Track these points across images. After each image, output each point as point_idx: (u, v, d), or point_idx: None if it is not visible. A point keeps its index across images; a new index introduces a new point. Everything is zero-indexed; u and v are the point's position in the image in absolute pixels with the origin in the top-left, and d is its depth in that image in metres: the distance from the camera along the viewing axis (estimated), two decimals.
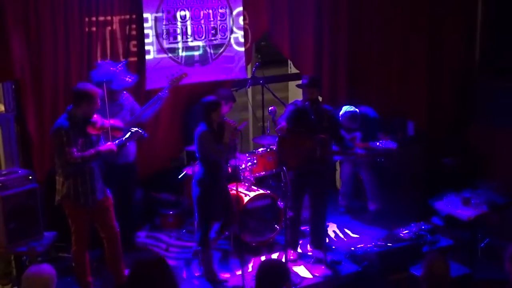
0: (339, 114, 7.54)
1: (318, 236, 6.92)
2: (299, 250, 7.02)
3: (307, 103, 6.68)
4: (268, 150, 7.54)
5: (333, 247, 7.14)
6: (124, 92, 6.83)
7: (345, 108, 7.65)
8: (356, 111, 7.65)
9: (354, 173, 8.09)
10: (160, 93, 6.88)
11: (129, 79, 6.75)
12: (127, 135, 6.10)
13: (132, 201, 7.12)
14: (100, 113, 6.03)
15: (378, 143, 7.16)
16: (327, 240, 7.13)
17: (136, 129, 6.16)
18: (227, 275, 6.60)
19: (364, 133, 7.68)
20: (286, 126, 6.53)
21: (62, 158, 5.76)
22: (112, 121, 6.13)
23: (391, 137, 7.93)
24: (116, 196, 6.34)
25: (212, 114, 6.23)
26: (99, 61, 6.87)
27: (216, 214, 6.48)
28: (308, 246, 7.08)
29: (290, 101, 9.45)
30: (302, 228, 7.21)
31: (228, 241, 7.20)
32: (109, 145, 5.94)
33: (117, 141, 6.05)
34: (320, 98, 8.22)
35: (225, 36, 7.74)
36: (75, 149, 5.71)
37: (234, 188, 7.20)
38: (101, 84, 6.36)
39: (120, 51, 7.23)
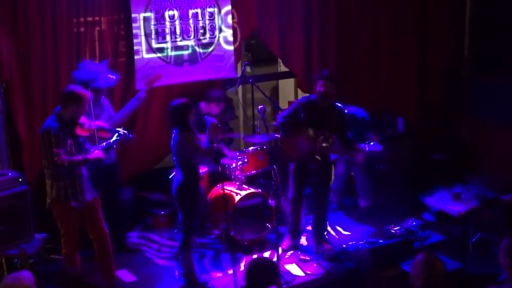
0: None
1: (320, 230, 6.99)
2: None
3: (318, 97, 6.67)
4: (259, 148, 7.54)
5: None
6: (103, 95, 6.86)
7: None
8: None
9: (347, 171, 8.09)
10: (138, 94, 6.95)
11: (113, 77, 6.76)
12: (114, 138, 6.12)
13: (117, 201, 7.12)
14: (87, 115, 6.03)
15: (366, 145, 7.11)
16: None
17: (123, 131, 6.19)
18: (219, 274, 6.60)
19: (353, 134, 7.65)
20: (289, 118, 6.59)
21: (49, 159, 5.74)
22: (98, 123, 6.12)
23: (381, 135, 7.94)
24: (102, 197, 6.33)
25: (189, 115, 6.19)
26: (80, 61, 6.83)
27: (198, 215, 6.50)
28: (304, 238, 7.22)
29: (280, 99, 9.53)
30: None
31: (219, 240, 7.21)
32: (97, 153, 5.95)
33: (104, 143, 6.07)
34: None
35: (214, 35, 7.72)
36: (63, 151, 5.70)
37: (225, 187, 7.23)
38: (85, 83, 6.37)
39: (109, 51, 7.20)
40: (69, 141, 5.80)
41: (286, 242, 7.02)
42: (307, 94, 8.10)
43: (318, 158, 6.59)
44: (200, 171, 7.27)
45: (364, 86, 8.66)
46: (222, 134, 6.57)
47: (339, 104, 6.87)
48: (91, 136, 6.06)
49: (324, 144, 6.58)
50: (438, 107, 9.04)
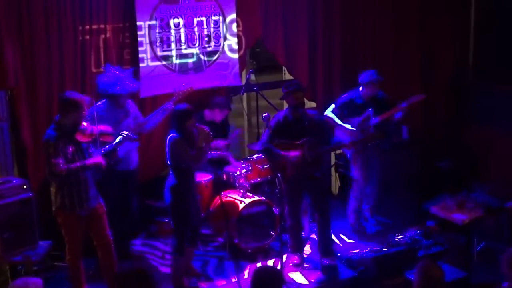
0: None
1: (326, 243, 6.92)
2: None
3: (291, 111, 6.68)
4: (263, 156, 7.53)
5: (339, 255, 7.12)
6: (129, 100, 6.89)
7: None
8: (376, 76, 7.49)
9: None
10: (165, 105, 6.96)
11: (132, 85, 6.81)
12: (117, 140, 6.11)
13: (130, 208, 7.12)
14: (89, 120, 6.00)
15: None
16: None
17: (126, 133, 6.18)
18: (222, 282, 6.60)
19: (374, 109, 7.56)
20: (269, 141, 6.64)
21: (49, 169, 5.73)
22: (100, 127, 6.11)
23: (386, 143, 7.93)
24: (114, 203, 6.32)
25: (187, 123, 6.20)
26: (105, 65, 6.91)
27: (192, 221, 6.42)
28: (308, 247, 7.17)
29: (285, 107, 9.53)
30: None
31: (223, 248, 7.20)
32: (96, 158, 5.91)
33: (107, 146, 6.07)
34: (314, 104, 8.29)
35: (219, 43, 7.75)
36: (61, 161, 5.69)
37: (229, 195, 7.24)
38: (105, 88, 6.39)
39: (114, 59, 7.22)
40: (70, 149, 5.79)
41: (294, 258, 6.93)
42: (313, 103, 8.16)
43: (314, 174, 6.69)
44: (204, 179, 7.30)
45: None
46: (211, 142, 6.53)
47: (311, 111, 7.00)
48: (94, 140, 6.06)
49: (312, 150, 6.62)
50: (442, 115, 9.04)
